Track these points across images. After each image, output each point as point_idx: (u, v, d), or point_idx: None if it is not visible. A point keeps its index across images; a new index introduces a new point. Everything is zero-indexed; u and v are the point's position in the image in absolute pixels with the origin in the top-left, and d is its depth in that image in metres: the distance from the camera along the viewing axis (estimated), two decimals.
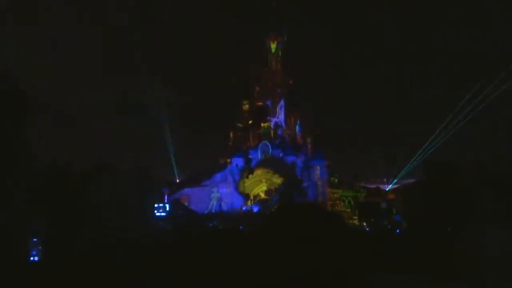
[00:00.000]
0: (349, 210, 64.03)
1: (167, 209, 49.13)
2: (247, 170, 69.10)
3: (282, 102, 73.70)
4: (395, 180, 65.53)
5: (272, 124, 73.58)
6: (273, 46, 76.43)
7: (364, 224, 55.77)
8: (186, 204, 64.26)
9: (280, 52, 76.67)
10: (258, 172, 67.49)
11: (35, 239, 12.07)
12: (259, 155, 70.21)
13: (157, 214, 43.73)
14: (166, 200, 59.09)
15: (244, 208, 65.26)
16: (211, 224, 50.40)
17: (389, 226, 49.66)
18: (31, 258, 11.65)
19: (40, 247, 11.66)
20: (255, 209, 63.09)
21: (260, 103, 75.26)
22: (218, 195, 68.59)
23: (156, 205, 43.26)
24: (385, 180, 67.52)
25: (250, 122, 74.70)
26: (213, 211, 66.15)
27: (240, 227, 48.51)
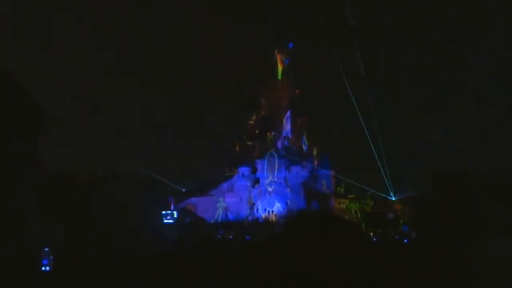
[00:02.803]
0: (355, 220, 63.75)
1: (175, 215, 49.14)
2: (253, 179, 69.27)
3: (288, 112, 73.93)
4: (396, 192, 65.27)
5: (278, 134, 73.77)
6: (280, 59, 76.80)
7: (371, 234, 55.41)
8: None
9: (286, 67, 77.01)
10: (265, 181, 67.60)
11: (46, 249, 12.04)
12: (265, 165, 70.25)
13: (165, 221, 43.68)
14: (172, 209, 59.17)
15: (250, 218, 65.29)
16: (219, 236, 50.36)
17: (397, 237, 49.35)
18: (43, 268, 11.65)
19: (51, 257, 11.61)
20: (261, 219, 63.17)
21: (266, 113, 75.49)
22: (224, 204, 68.67)
23: (163, 212, 43.18)
24: (391, 190, 67.20)
25: (256, 132, 74.91)
26: (219, 220, 66.18)
27: (247, 237, 48.42)
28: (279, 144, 72.66)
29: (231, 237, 49.99)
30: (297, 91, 76.30)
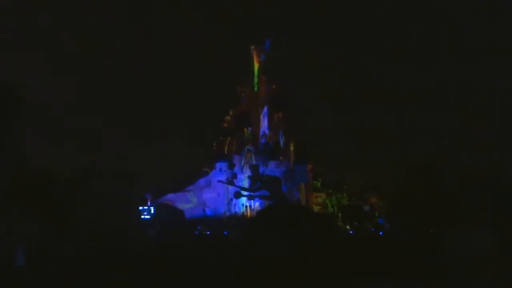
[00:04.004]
0: (332, 213, 64.52)
1: (152, 211, 48.75)
2: (231, 175, 69.13)
3: (265, 108, 73.95)
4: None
5: (255, 129, 73.80)
6: (256, 57, 76.74)
7: (348, 227, 56.30)
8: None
9: (263, 64, 76.95)
10: (242, 176, 67.61)
11: (19, 245, 11.81)
12: (242, 160, 70.25)
13: (142, 217, 43.36)
14: (149, 205, 58.67)
15: (227, 213, 65.23)
16: (197, 232, 50.21)
17: (372, 229, 50.23)
18: (16, 264, 11.40)
19: (25, 252, 11.36)
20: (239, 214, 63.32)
21: (244, 109, 75.41)
22: (201, 200, 68.37)
23: (141, 208, 42.82)
24: (368, 183, 68.18)
25: (234, 128, 74.80)
26: (196, 216, 65.84)
27: (225, 232, 48.43)
28: (256, 140, 72.75)
29: (208, 232, 49.91)
30: (274, 86, 76.41)
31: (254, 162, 69.45)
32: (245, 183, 67.11)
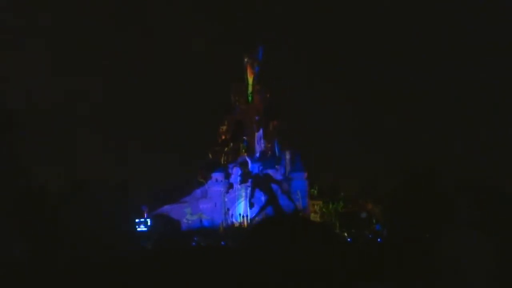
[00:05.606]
0: (329, 221, 64.34)
1: (149, 223, 48.61)
2: (227, 185, 68.89)
3: (260, 116, 73.93)
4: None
5: (251, 139, 73.74)
6: (250, 69, 76.96)
7: (345, 234, 56.14)
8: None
9: (257, 74, 77.18)
10: (238, 186, 67.38)
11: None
12: (238, 170, 70.09)
13: (139, 229, 43.17)
14: (146, 217, 58.48)
15: (224, 224, 64.92)
16: (194, 244, 49.95)
17: (370, 236, 50.15)
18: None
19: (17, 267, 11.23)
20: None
21: (239, 118, 75.40)
22: (198, 211, 68.00)
23: (137, 220, 42.66)
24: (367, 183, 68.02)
25: (229, 137, 74.70)
26: (193, 227, 65.51)
27: (222, 243, 48.23)
28: (252, 149, 72.71)
29: (203, 244, 49.66)
30: (268, 95, 76.59)
31: (250, 172, 69.28)
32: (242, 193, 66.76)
